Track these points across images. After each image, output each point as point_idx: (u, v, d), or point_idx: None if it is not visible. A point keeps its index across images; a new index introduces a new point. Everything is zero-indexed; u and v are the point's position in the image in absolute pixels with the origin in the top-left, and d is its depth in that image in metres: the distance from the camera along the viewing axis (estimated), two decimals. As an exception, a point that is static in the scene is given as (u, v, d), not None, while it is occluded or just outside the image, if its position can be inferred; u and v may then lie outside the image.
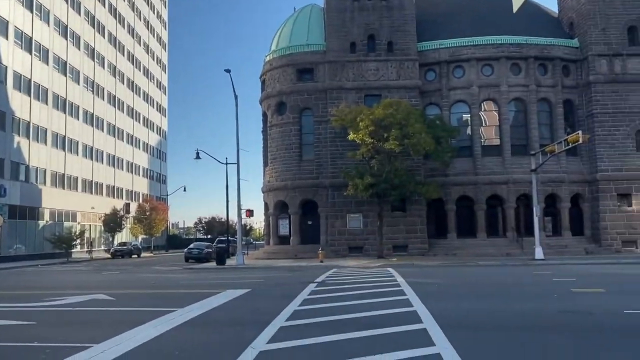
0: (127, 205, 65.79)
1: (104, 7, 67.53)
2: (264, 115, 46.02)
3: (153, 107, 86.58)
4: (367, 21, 42.14)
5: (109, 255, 56.59)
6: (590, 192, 41.53)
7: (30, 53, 49.12)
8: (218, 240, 56.34)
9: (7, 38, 45.51)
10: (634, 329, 10.10)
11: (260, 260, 39.67)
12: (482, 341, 9.11)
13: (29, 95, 48.84)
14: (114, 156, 68.87)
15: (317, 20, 44.63)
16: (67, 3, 57.04)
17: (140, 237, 70.09)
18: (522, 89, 41.75)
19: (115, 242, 62.39)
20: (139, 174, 78.58)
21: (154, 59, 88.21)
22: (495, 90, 41.74)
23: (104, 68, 66.37)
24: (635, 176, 40.20)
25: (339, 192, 39.73)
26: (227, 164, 45.69)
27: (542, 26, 44.39)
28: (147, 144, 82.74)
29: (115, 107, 69.56)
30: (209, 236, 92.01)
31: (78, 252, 54.60)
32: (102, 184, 64.96)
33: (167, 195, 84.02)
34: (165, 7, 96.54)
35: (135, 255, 57.28)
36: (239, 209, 37.71)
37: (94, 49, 63.34)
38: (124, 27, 74.38)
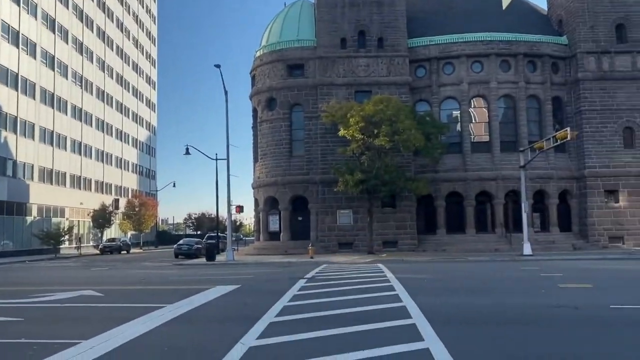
0: (116, 201, 65.45)
1: (93, 1, 66.86)
2: (254, 110, 45.91)
3: (142, 102, 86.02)
4: (357, 17, 42.12)
5: (98, 251, 56.26)
6: (578, 189, 41.92)
7: (18, 47, 48.56)
8: (208, 236, 56.18)
9: (-7, 32, 45.00)
10: (619, 323, 10.23)
11: (250, 256, 39.65)
12: (471, 336, 9.19)
13: (16, 90, 48.29)
14: (103, 151, 68.39)
15: (308, 16, 44.53)
16: (55, -3, 56.43)
17: (129, 233, 69.77)
18: (511, 85, 41.99)
19: (104, 238, 62.03)
20: (128, 170, 78.12)
21: (143, 54, 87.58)
22: (485, 87, 41.96)
23: (92, 63, 65.79)
24: (622, 172, 40.64)
25: (329, 188, 39.78)
26: (217, 159, 45.58)
27: (532, 23, 44.66)
28: (137, 140, 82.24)
29: (104, 102, 69.02)
30: (198, 232, 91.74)
31: (66, 248, 54.23)
32: (91, 179, 64.50)
33: (157, 191, 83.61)
34: (155, 2, 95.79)
35: (125, 251, 56.97)
36: (229, 205, 37.64)
37: (82, 43, 62.74)
38: (112, 21, 73.74)
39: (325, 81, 41.70)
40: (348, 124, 36.10)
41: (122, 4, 77.78)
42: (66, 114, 58.07)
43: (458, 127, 42.50)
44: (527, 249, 33.00)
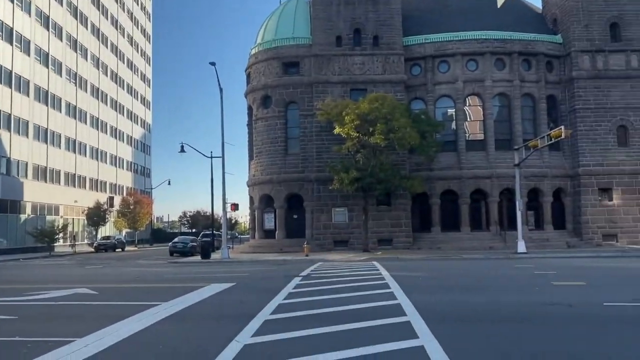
0: (111, 198, 65.19)
1: (87, -2, 66.54)
2: (250, 108, 45.84)
3: (137, 99, 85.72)
4: (353, 15, 42.11)
5: (93, 249, 56.06)
6: (572, 187, 42.11)
7: (11, 44, 48.27)
8: (203, 234, 56.13)
9: (-13, 28, 44.72)
10: (613, 320, 10.29)
11: (246, 254, 39.63)
12: (465, 333, 9.22)
13: (10, 87, 48.01)
14: (98, 149, 68.13)
15: (303, 14, 44.46)
16: (49, -7, 56.13)
17: (124, 231, 69.56)
18: (506, 84, 42.10)
19: (99, 236, 61.81)
20: (122, 168, 77.87)
21: (138, 51, 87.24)
22: (480, 85, 42.04)
23: (87, 60, 65.49)
24: (616, 171, 40.85)
25: (324, 186, 39.79)
26: (212, 157, 45.48)
27: (526, 22, 44.79)
28: (131, 137, 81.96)
29: (98, 99, 68.74)
30: (193, 230, 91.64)
31: (61, 246, 54.02)
32: (86, 177, 64.26)
33: (152, 188, 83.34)
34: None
35: (119, 249, 56.84)
36: (224, 202, 37.63)
37: (76, 40, 62.44)
38: (107, 18, 73.41)
39: (321, 79, 41.68)
40: (343, 122, 36.11)
41: (116, 1, 77.43)
42: (60, 112, 57.81)
43: (453, 125, 42.59)
44: (521, 246, 33.13)
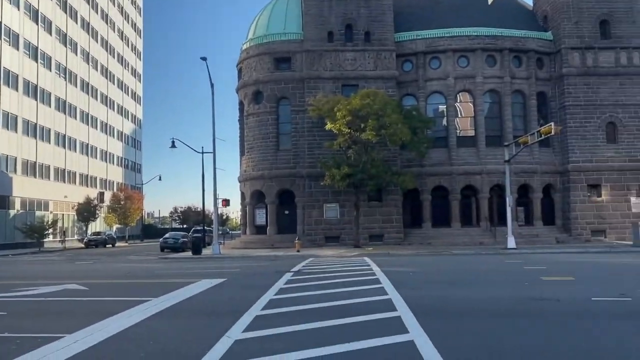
0: (102, 194, 64.87)
1: (77, -9, 65.93)
2: (241, 104, 45.69)
3: (128, 94, 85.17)
4: (344, 11, 42.06)
5: (83, 245, 55.79)
6: (562, 183, 42.42)
7: (0, 38, 47.76)
8: (194, 230, 55.95)
9: (-26, 22, 44.20)
10: (600, 315, 10.41)
11: (237, 250, 39.60)
12: (455, 328, 9.29)
13: (-1, 81, 47.56)
14: (88, 144, 67.68)
15: (295, 9, 44.32)
16: (38, -13, 55.56)
17: (114, 227, 69.25)
18: (497, 80, 42.28)
19: (89, 232, 61.49)
20: (113, 163, 77.42)
21: (128, 46, 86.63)
22: (471, 82, 42.18)
23: (76, 54, 64.94)
24: (605, 167, 41.19)
25: (316, 182, 39.81)
26: (203, 152, 45.37)
27: (517, 19, 44.96)
28: (122, 132, 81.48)
29: (88, 94, 68.23)
30: (184, 226, 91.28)
31: (50, 241, 53.69)
32: (76, 172, 63.83)
33: (142, 184, 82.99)
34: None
35: (110, 245, 56.56)
36: (215, 198, 37.52)
37: (66, 34, 61.88)
38: (97, 12, 72.79)
39: (312, 75, 41.62)
40: (335, 117, 36.11)
41: (106, -5, 76.76)
42: (50, 106, 57.32)
43: (444, 122, 42.72)
44: (511, 242, 33.36)
